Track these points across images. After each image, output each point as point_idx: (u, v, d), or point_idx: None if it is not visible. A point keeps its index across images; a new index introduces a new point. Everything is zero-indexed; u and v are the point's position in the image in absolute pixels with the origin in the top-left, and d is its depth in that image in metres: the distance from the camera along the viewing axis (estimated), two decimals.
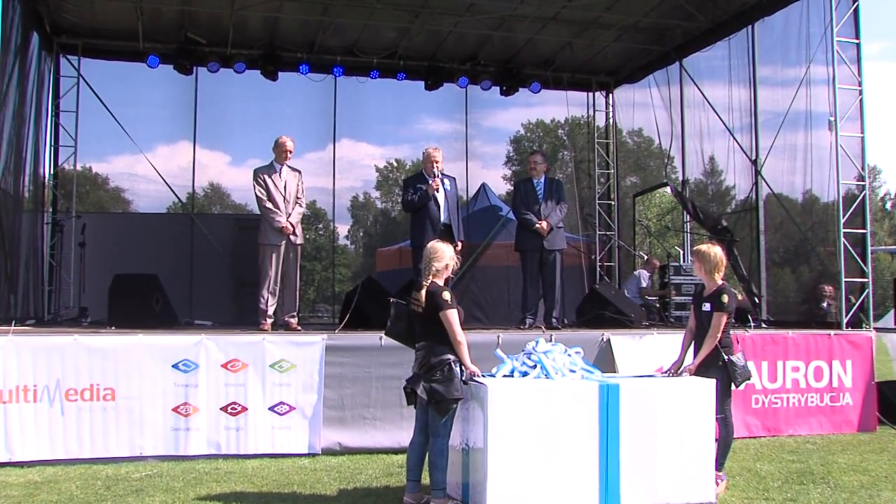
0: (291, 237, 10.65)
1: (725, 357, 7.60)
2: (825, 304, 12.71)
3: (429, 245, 7.19)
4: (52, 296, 13.52)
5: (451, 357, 6.79)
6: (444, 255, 7.02)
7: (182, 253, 14.58)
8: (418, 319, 6.96)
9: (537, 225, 11.25)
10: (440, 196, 10.92)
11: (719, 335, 7.59)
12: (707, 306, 7.74)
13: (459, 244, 10.82)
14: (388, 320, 7.31)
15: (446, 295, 6.83)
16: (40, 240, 13.40)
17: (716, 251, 7.85)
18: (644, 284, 15.66)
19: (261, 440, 9.09)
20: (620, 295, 13.29)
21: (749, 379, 7.94)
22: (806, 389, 10.86)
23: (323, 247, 30.17)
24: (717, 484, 7.40)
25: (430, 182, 10.86)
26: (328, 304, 22.81)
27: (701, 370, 7.60)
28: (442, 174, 11.00)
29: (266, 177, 10.66)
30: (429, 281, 6.94)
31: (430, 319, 6.84)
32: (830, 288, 12.87)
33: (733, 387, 7.75)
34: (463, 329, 6.89)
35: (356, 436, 9.38)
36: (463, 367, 6.85)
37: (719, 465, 7.55)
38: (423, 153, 11.23)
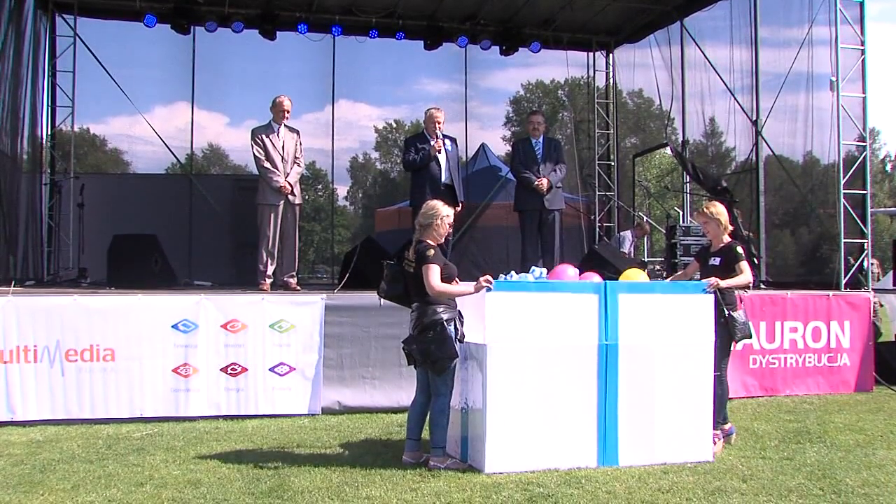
0: (290, 197, 10.63)
1: (727, 312, 7.61)
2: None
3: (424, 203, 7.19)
4: (51, 257, 13.52)
5: (444, 316, 6.79)
6: (430, 213, 6.98)
7: (181, 214, 14.55)
8: (411, 279, 6.97)
9: (536, 183, 11.22)
10: (441, 156, 10.90)
11: (750, 278, 7.64)
12: (716, 260, 7.77)
13: (460, 205, 10.84)
14: (383, 282, 7.30)
15: (430, 252, 6.81)
16: (39, 201, 13.38)
17: (721, 208, 7.93)
18: (625, 249, 15.62)
19: (261, 401, 9.14)
20: (619, 255, 13.28)
21: (749, 337, 8.03)
22: (804, 350, 10.92)
23: (322, 207, 30.17)
24: (715, 443, 7.47)
25: (433, 142, 10.82)
26: (327, 265, 22.87)
27: None
28: (443, 135, 10.97)
29: (264, 137, 10.63)
30: (416, 239, 6.96)
31: (419, 279, 6.85)
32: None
33: (732, 345, 7.79)
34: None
35: (355, 395, 9.43)
36: (458, 325, 6.86)
37: (716, 423, 7.61)
38: (426, 113, 11.18)
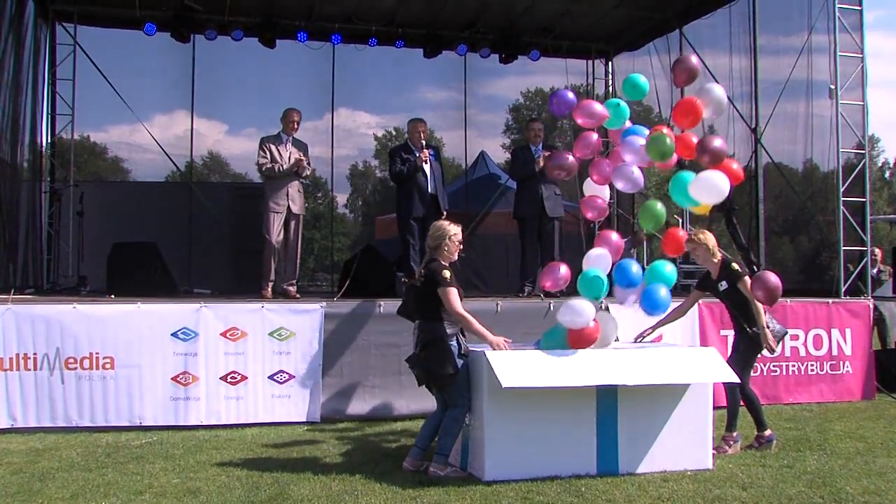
0: (292, 206, 10.69)
1: (751, 330, 7.79)
2: (875, 271, 12.66)
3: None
4: (50, 265, 13.50)
5: (444, 333, 6.82)
6: (438, 235, 7.00)
7: (181, 222, 14.54)
8: (416, 295, 6.99)
9: (540, 163, 11.22)
10: (426, 167, 11.01)
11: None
12: (724, 285, 7.92)
13: (444, 214, 10.90)
14: (403, 300, 7.39)
15: (446, 273, 6.84)
16: (39, 209, 13.36)
17: (707, 235, 8.05)
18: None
19: (260, 409, 9.14)
20: None
21: (786, 334, 8.33)
22: (806, 358, 10.90)
23: (322, 215, 30.10)
24: (731, 445, 7.76)
25: (419, 154, 10.91)
26: (327, 273, 22.81)
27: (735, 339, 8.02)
28: (426, 145, 11.09)
29: (272, 146, 10.74)
30: (428, 258, 7.00)
31: (425, 296, 6.87)
32: (880, 252, 12.87)
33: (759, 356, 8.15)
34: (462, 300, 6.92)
35: (355, 403, 9.42)
36: (460, 341, 6.87)
37: (732, 427, 7.87)
38: (409, 125, 11.32)
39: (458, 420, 6.90)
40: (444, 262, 6.93)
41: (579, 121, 8.15)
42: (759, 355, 8.13)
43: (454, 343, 6.85)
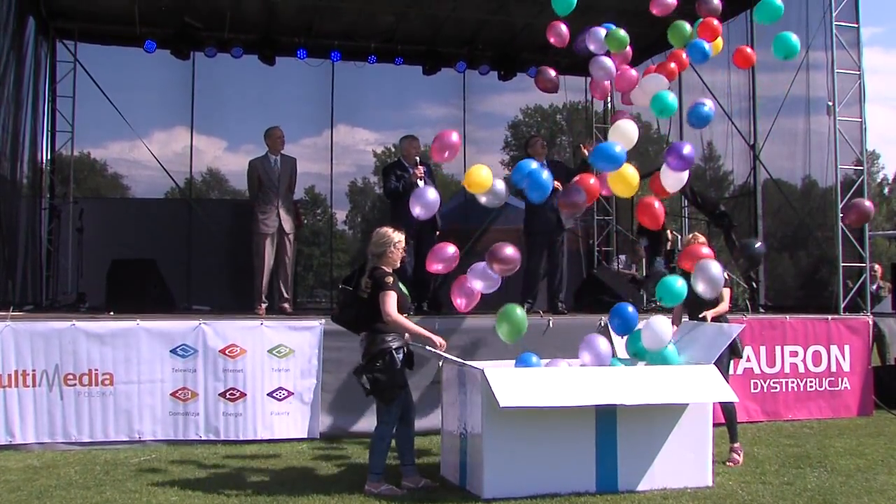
0: (283, 225, 10.77)
1: None
2: (874, 287, 12.67)
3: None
4: (49, 281, 13.48)
5: (393, 345, 6.79)
6: (382, 241, 6.96)
7: (180, 238, 14.51)
8: (363, 306, 6.91)
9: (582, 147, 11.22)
10: (420, 184, 11.00)
11: (727, 305, 8.13)
12: None
13: (438, 233, 10.87)
14: (337, 306, 7.31)
15: (388, 279, 6.81)
16: (38, 225, 13.37)
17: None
18: (619, 267, 15.61)
19: (259, 426, 9.11)
20: (618, 279, 13.27)
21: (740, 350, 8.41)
22: (804, 374, 10.88)
23: (321, 232, 30.08)
24: (739, 454, 7.98)
25: (413, 170, 10.89)
26: (326, 290, 22.77)
27: None
28: (420, 162, 11.10)
29: (260, 171, 10.83)
30: (371, 266, 6.94)
31: (373, 305, 6.81)
32: (880, 268, 12.88)
33: (732, 366, 8.24)
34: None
35: (355, 420, 9.36)
36: (399, 354, 6.84)
37: (734, 437, 8.08)
38: (402, 142, 11.28)
39: (383, 438, 6.88)
40: (387, 269, 6.91)
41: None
42: (731, 362, 8.22)
43: (401, 356, 6.83)
